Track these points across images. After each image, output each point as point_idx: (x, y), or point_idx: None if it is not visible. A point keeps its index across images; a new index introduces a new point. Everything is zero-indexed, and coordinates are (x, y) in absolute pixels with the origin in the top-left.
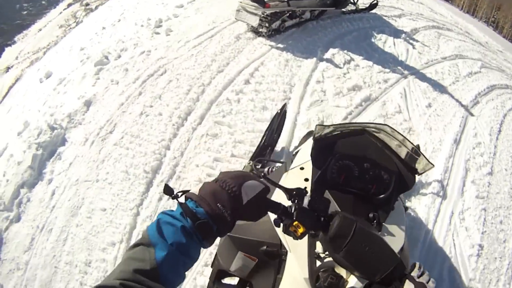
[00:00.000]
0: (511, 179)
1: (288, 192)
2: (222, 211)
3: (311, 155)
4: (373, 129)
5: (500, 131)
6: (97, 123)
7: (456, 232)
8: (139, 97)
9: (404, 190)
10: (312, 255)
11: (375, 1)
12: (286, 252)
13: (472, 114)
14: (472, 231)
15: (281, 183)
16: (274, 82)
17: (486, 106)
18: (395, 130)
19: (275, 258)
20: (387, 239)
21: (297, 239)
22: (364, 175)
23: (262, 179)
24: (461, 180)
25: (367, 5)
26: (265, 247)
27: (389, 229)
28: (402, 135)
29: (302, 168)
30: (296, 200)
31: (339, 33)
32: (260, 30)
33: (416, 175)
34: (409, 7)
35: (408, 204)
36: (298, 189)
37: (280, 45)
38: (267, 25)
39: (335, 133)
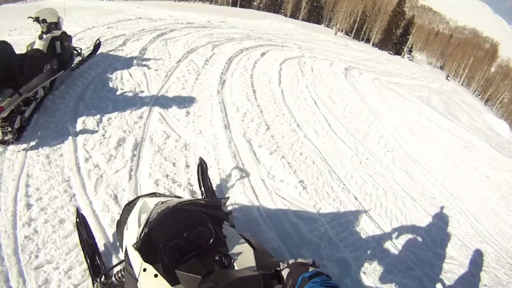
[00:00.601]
0: (285, 120)
1: None
2: None
3: (143, 260)
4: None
5: (254, 91)
6: None
7: (276, 190)
8: None
9: (222, 222)
10: None
11: (98, 41)
12: None
13: (224, 94)
14: (287, 178)
15: None
16: (51, 188)
17: (232, 78)
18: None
19: None
20: (240, 258)
21: None
22: (189, 240)
23: None
24: (250, 152)
25: (91, 48)
26: None
27: (236, 251)
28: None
29: (145, 270)
30: None
31: (78, 95)
32: (6, 139)
33: (223, 207)
34: (131, 29)
35: (230, 208)
36: None
37: (33, 143)
38: (9, 129)
39: (146, 231)
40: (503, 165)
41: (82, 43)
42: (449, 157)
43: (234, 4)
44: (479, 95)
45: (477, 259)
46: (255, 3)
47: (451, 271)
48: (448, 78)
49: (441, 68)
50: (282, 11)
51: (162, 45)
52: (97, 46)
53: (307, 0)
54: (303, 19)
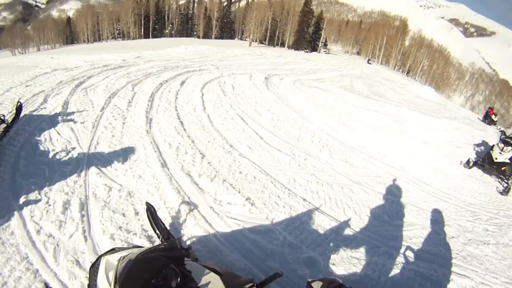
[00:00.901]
0: (217, 144)
1: None
2: None
3: None
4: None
5: (181, 122)
6: None
7: (227, 213)
8: None
9: (183, 259)
10: None
11: (19, 103)
12: None
13: (153, 133)
14: (234, 199)
15: None
16: (13, 269)
17: (158, 115)
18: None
19: None
20: (210, 287)
21: None
22: (159, 285)
23: None
24: (192, 184)
25: (14, 112)
26: None
27: (204, 282)
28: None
29: None
30: None
31: (12, 165)
32: None
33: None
34: (50, 83)
35: (188, 242)
36: None
37: None
38: None
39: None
40: (437, 127)
41: (4, 108)
42: (384, 135)
43: (146, 36)
44: (399, 69)
45: (436, 218)
46: (166, 31)
47: (416, 236)
48: (370, 61)
49: (358, 53)
50: (195, 33)
51: (83, 95)
52: (19, 108)
53: (216, 18)
54: (216, 37)
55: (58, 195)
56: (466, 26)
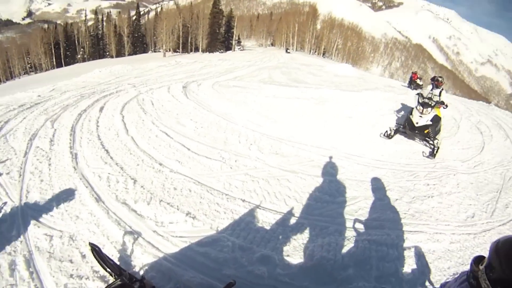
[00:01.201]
0: (146, 165)
1: None
2: None
3: None
4: None
5: (107, 151)
6: None
7: (171, 233)
8: None
9: None
10: None
11: None
12: None
13: (81, 168)
14: (174, 218)
15: None
16: None
17: (82, 148)
18: None
19: None
20: None
21: None
22: None
23: None
24: (130, 212)
25: None
26: None
27: None
28: None
29: None
30: None
31: None
32: None
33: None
34: None
35: (141, 272)
36: None
37: None
38: None
39: None
40: (359, 100)
41: None
42: (309, 119)
43: (59, 65)
44: (315, 52)
45: (377, 186)
46: (79, 56)
47: (361, 208)
48: (289, 50)
49: (272, 44)
50: (107, 53)
51: (3, 143)
52: None
53: (127, 34)
54: (130, 54)
55: (1, 257)
56: (374, 1)
